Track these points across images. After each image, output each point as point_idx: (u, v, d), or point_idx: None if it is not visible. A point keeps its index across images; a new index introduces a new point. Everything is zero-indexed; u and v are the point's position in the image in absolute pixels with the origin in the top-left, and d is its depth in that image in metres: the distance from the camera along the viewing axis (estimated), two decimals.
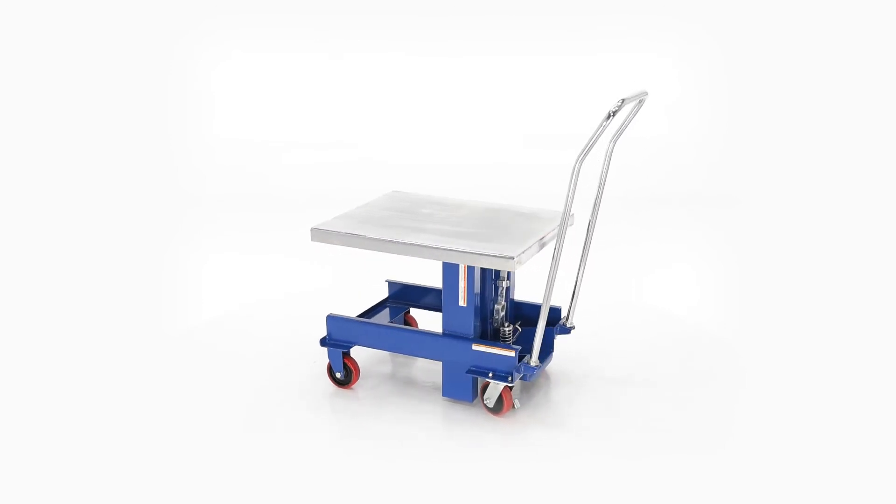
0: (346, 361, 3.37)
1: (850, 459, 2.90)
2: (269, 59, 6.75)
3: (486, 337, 3.29)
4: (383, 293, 4.31)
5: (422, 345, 3.21)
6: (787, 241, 5.16)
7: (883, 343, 3.77)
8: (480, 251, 2.91)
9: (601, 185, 3.25)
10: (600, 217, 5.64)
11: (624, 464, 2.88)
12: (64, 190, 5.93)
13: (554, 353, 3.60)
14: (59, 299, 4.28)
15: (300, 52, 6.74)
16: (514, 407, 3.19)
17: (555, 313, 3.42)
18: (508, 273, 3.26)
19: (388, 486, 2.76)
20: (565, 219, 2.90)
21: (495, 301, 3.27)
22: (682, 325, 4.00)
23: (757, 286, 4.49)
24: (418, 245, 2.99)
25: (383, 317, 3.63)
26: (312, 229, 3.19)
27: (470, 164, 6.48)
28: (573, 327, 3.43)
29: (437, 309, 3.64)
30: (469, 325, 3.11)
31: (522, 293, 4.22)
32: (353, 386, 3.42)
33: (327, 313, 3.49)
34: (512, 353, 3.03)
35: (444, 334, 3.16)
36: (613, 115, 2.72)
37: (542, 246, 3.09)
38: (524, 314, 3.46)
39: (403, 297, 3.71)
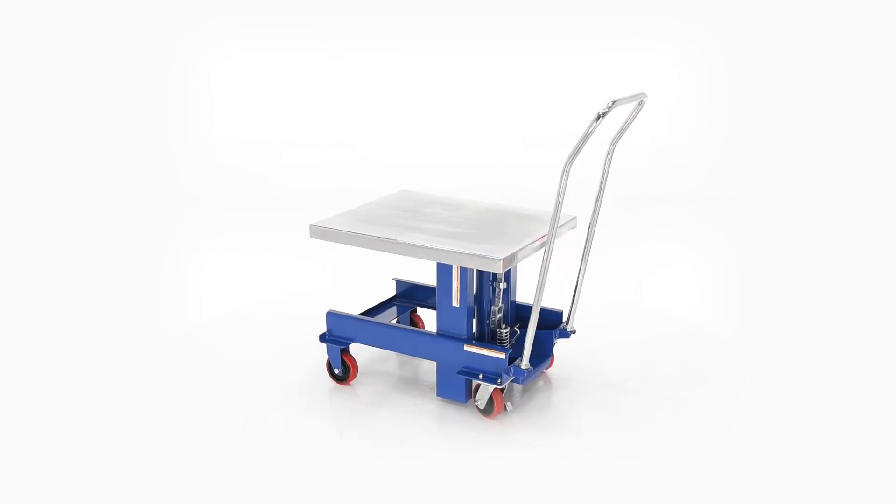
0: (345, 358, 3.39)
1: (850, 459, 2.90)
2: (269, 59, 6.75)
3: (483, 338, 3.29)
4: (383, 293, 4.31)
5: (417, 344, 3.21)
6: (787, 241, 5.16)
7: (883, 343, 3.77)
8: (469, 252, 2.90)
9: (602, 188, 3.22)
10: (600, 217, 5.63)
11: (624, 464, 2.88)
12: (64, 190, 5.93)
13: (555, 358, 3.58)
14: (60, 299, 4.28)
15: (300, 52, 6.74)
16: (505, 409, 3.18)
17: (555, 317, 3.38)
18: (506, 274, 3.26)
19: (385, 486, 2.76)
20: (554, 222, 2.86)
21: (492, 302, 3.26)
22: (682, 325, 4.00)
23: (757, 286, 4.49)
24: (410, 244, 3.01)
25: (388, 315, 3.63)
26: (311, 226, 3.21)
27: (470, 164, 6.48)
28: (574, 331, 3.38)
29: None
30: (462, 326, 3.11)
31: (526, 295, 4.22)
32: (353, 383, 3.42)
33: (327, 310, 3.49)
34: (502, 356, 3.01)
35: (438, 334, 3.17)
36: (603, 117, 2.69)
37: (538, 248, 3.06)
38: (525, 316, 3.42)
39: (410, 296, 3.71)
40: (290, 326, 3.96)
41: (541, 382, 3.45)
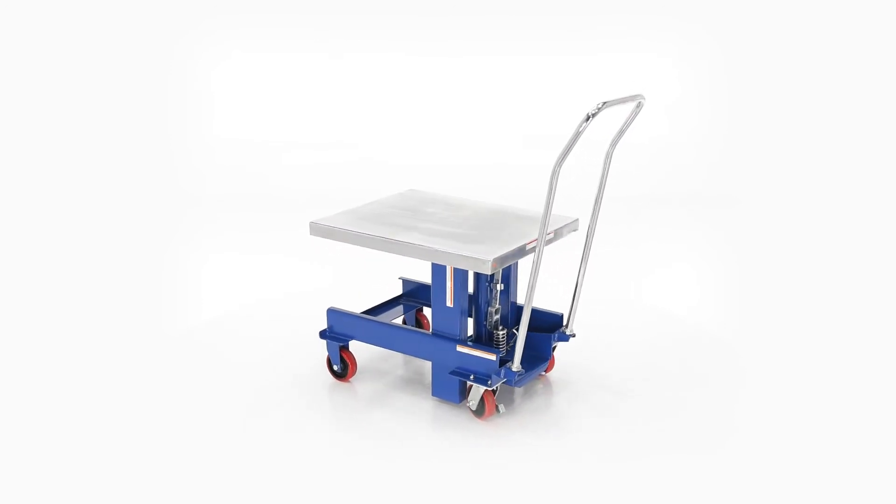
0: (343, 355, 3.41)
1: (850, 459, 2.90)
2: (269, 59, 6.75)
3: (480, 340, 3.29)
4: (383, 293, 4.31)
5: (413, 344, 3.22)
6: (787, 241, 5.16)
7: (882, 343, 3.77)
8: (459, 252, 2.90)
9: (601, 190, 3.20)
10: (601, 217, 5.64)
11: (624, 464, 2.88)
12: (64, 190, 5.93)
13: (555, 361, 3.57)
14: (60, 299, 4.28)
15: (300, 52, 6.74)
16: (498, 411, 3.17)
17: (555, 319, 3.36)
18: (504, 276, 3.25)
19: (383, 485, 2.76)
20: (544, 224, 2.82)
21: (489, 303, 3.26)
22: (682, 325, 4.00)
23: (757, 286, 4.49)
24: (404, 243, 3.02)
25: (394, 314, 3.63)
26: (311, 223, 3.24)
27: (470, 164, 6.48)
28: (573, 335, 3.35)
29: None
30: (455, 326, 3.11)
31: (535, 298, 4.23)
32: (353, 381, 3.43)
33: (328, 307, 3.50)
34: (492, 357, 3.01)
35: (433, 334, 3.17)
36: (592, 118, 2.67)
37: (533, 250, 3.05)
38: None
39: (416, 295, 3.71)
40: (290, 326, 3.97)
41: (540, 384, 3.45)
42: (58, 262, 4.78)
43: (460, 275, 3.05)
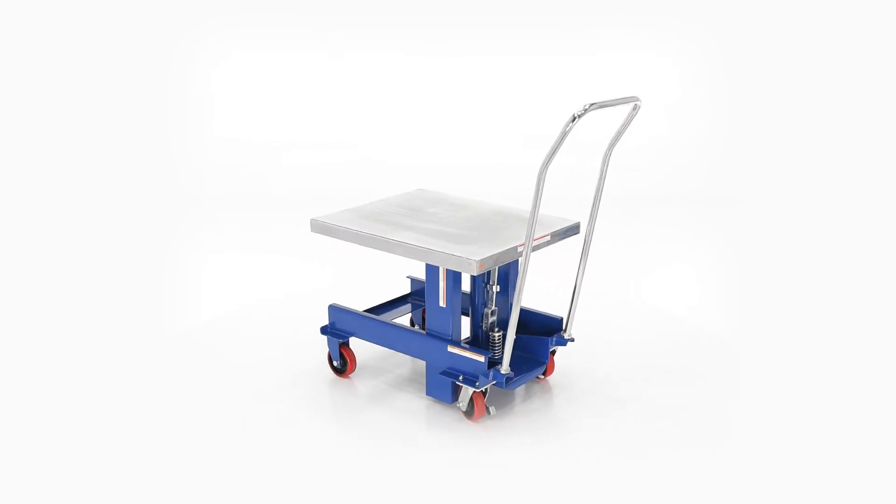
0: (343, 351, 3.42)
1: (850, 459, 2.90)
2: (269, 59, 6.75)
3: (476, 341, 3.28)
4: (383, 293, 4.31)
5: (408, 343, 3.23)
6: (787, 241, 5.15)
7: (882, 343, 3.77)
8: (447, 252, 2.90)
9: (598, 193, 3.15)
10: (602, 217, 5.64)
11: (624, 464, 2.88)
12: (64, 190, 5.93)
13: (555, 365, 3.55)
14: (60, 299, 4.28)
15: (300, 52, 6.74)
16: (488, 413, 3.16)
17: (554, 323, 3.34)
18: (501, 277, 3.24)
19: (382, 485, 2.76)
20: (531, 225, 2.80)
21: (485, 305, 3.25)
22: (682, 325, 4.00)
23: (757, 286, 4.49)
24: (396, 242, 3.03)
25: (400, 312, 3.64)
26: (312, 220, 3.27)
27: (469, 164, 6.48)
28: (571, 339, 3.31)
29: (464, 311, 3.60)
30: (448, 326, 3.11)
31: (528, 300, 4.23)
32: (354, 379, 3.44)
33: (330, 303, 3.50)
34: (481, 358, 3.00)
35: (426, 334, 3.17)
36: (579, 118, 2.66)
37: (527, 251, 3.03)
38: (528, 322, 3.40)
39: (423, 294, 3.71)
40: (290, 326, 3.97)
41: (539, 385, 3.45)
42: (58, 262, 4.78)
43: (453, 275, 3.04)
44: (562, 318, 3.33)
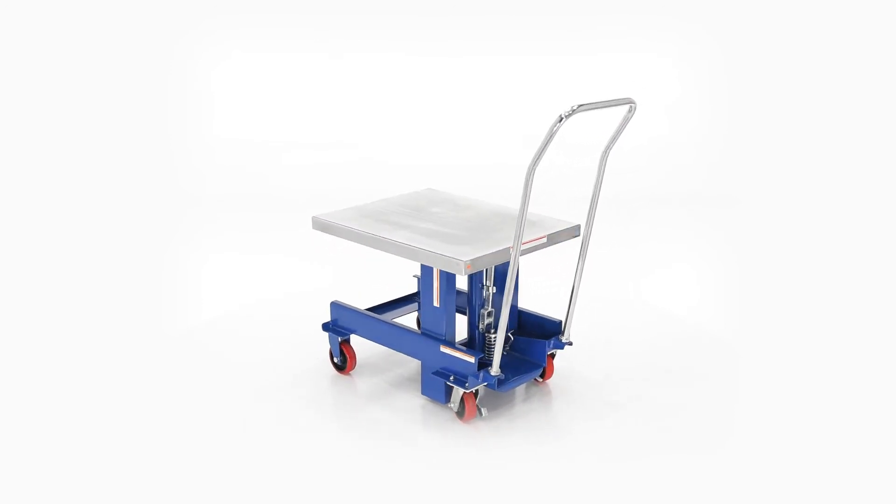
0: (343, 348, 3.44)
1: (850, 459, 2.90)
2: (269, 59, 6.75)
3: (472, 342, 3.28)
4: (383, 293, 4.30)
5: (405, 342, 3.24)
6: (787, 241, 5.15)
7: (882, 343, 3.77)
8: (436, 252, 2.90)
9: (595, 195, 3.13)
10: (601, 218, 5.64)
11: (623, 464, 2.88)
12: (64, 190, 5.93)
13: (554, 370, 3.53)
14: (60, 299, 4.28)
15: (300, 52, 6.74)
16: (480, 415, 3.15)
17: (553, 326, 3.31)
18: (497, 278, 3.23)
19: (381, 486, 2.76)
20: (519, 229, 2.79)
21: (482, 306, 3.25)
22: (682, 325, 4.00)
23: (757, 286, 4.49)
24: (387, 240, 3.04)
25: (402, 312, 3.64)
26: (313, 217, 3.31)
27: (469, 164, 6.47)
28: (569, 343, 3.30)
29: (462, 311, 3.60)
30: (441, 326, 3.11)
31: (527, 302, 4.23)
32: (355, 378, 3.45)
33: (332, 300, 3.51)
34: (471, 359, 3.00)
35: (421, 334, 3.18)
36: (566, 118, 2.65)
37: (521, 253, 2.99)
38: (527, 324, 3.39)
39: None
40: (290, 326, 3.97)
41: (539, 385, 3.45)
42: (58, 262, 4.78)
43: (447, 275, 3.04)
44: (560, 322, 3.31)
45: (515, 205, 5.58)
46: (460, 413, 3.12)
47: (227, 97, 6.74)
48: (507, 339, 3.30)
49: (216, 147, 6.58)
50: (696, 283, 4.58)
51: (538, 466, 2.86)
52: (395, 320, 3.35)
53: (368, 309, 3.52)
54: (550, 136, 2.64)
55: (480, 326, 3.25)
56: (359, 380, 3.46)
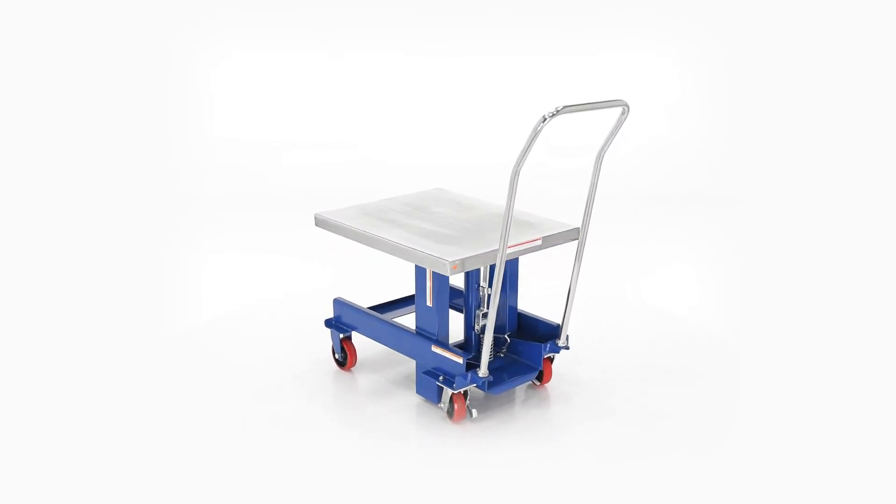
0: (344, 344, 3.47)
1: (850, 459, 2.90)
2: (269, 59, 6.75)
3: (468, 343, 3.28)
4: (383, 293, 4.31)
5: (401, 341, 3.24)
6: (787, 241, 5.15)
7: (882, 343, 3.77)
8: (425, 251, 2.91)
9: (591, 197, 3.11)
10: (602, 217, 5.63)
11: (623, 464, 2.88)
12: (64, 190, 5.93)
13: (552, 374, 3.51)
14: (60, 299, 4.28)
15: (300, 52, 6.73)
16: (470, 416, 3.14)
17: (551, 329, 3.30)
18: (493, 278, 3.23)
19: (380, 486, 2.77)
20: (505, 231, 2.77)
21: (478, 306, 3.24)
22: (682, 325, 4.00)
23: (757, 286, 4.49)
24: (380, 239, 3.06)
25: (405, 311, 3.63)
26: (316, 215, 3.33)
27: (470, 164, 6.47)
28: (566, 347, 3.27)
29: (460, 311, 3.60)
30: (434, 326, 3.11)
31: (527, 304, 4.23)
32: (356, 376, 3.47)
33: (335, 297, 3.51)
34: (459, 360, 2.99)
35: (415, 333, 3.18)
36: (551, 118, 2.65)
37: (513, 254, 3.00)
38: (525, 326, 3.39)
39: None
40: (290, 326, 3.97)
41: (538, 386, 3.45)
42: (58, 262, 4.78)
43: (439, 275, 3.04)
44: (558, 325, 3.29)
45: (520, 206, 5.58)
46: (450, 413, 3.12)
47: (227, 97, 6.74)
48: (503, 341, 3.29)
49: (216, 147, 6.58)
50: (695, 283, 4.58)
51: (537, 466, 2.86)
52: (394, 320, 3.36)
53: (370, 307, 3.53)
54: (534, 135, 2.66)
55: (476, 327, 3.25)
56: (360, 377, 3.47)
